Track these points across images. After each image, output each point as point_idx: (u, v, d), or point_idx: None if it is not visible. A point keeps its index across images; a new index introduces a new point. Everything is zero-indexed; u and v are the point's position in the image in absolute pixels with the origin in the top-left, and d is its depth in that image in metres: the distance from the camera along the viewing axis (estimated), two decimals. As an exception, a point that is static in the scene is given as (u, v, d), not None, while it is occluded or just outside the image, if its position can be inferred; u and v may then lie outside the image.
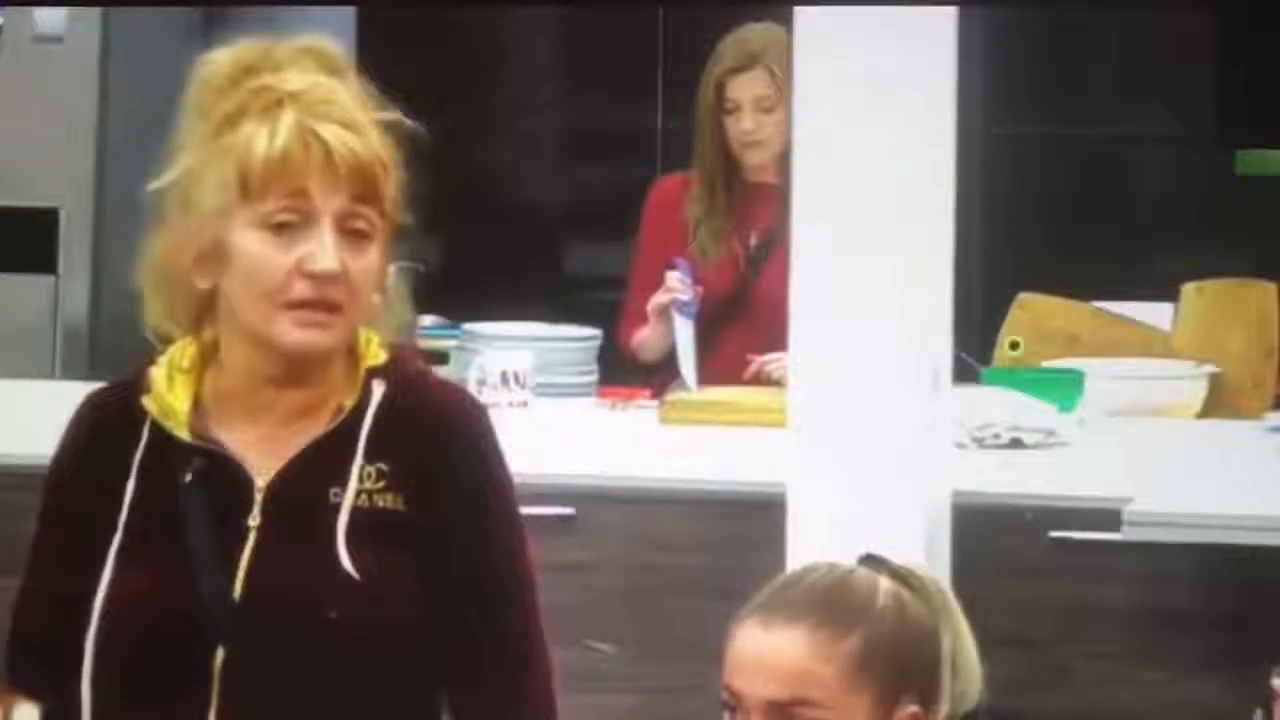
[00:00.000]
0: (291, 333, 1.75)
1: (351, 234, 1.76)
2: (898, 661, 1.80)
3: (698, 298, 3.46)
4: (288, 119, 1.75)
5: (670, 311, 3.46)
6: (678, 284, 3.45)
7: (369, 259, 1.76)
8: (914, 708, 1.81)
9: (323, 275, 1.73)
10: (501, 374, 3.32)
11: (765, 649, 1.78)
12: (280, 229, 1.75)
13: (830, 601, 1.80)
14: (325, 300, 1.74)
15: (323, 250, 1.74)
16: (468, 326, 3.58)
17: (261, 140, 1.74)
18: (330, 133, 1.75)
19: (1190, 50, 4.66)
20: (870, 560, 1.86)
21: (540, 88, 4.92)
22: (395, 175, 1.78)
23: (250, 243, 1.75)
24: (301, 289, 1.74)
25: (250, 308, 1.76)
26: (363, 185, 1.75)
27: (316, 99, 1.76)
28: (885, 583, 1.83)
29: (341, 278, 1.74)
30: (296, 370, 1.78)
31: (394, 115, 1.80)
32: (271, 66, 1.78)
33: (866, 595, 1.81)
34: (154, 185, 1.78)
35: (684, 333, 3.46)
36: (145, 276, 1.80)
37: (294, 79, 1.77)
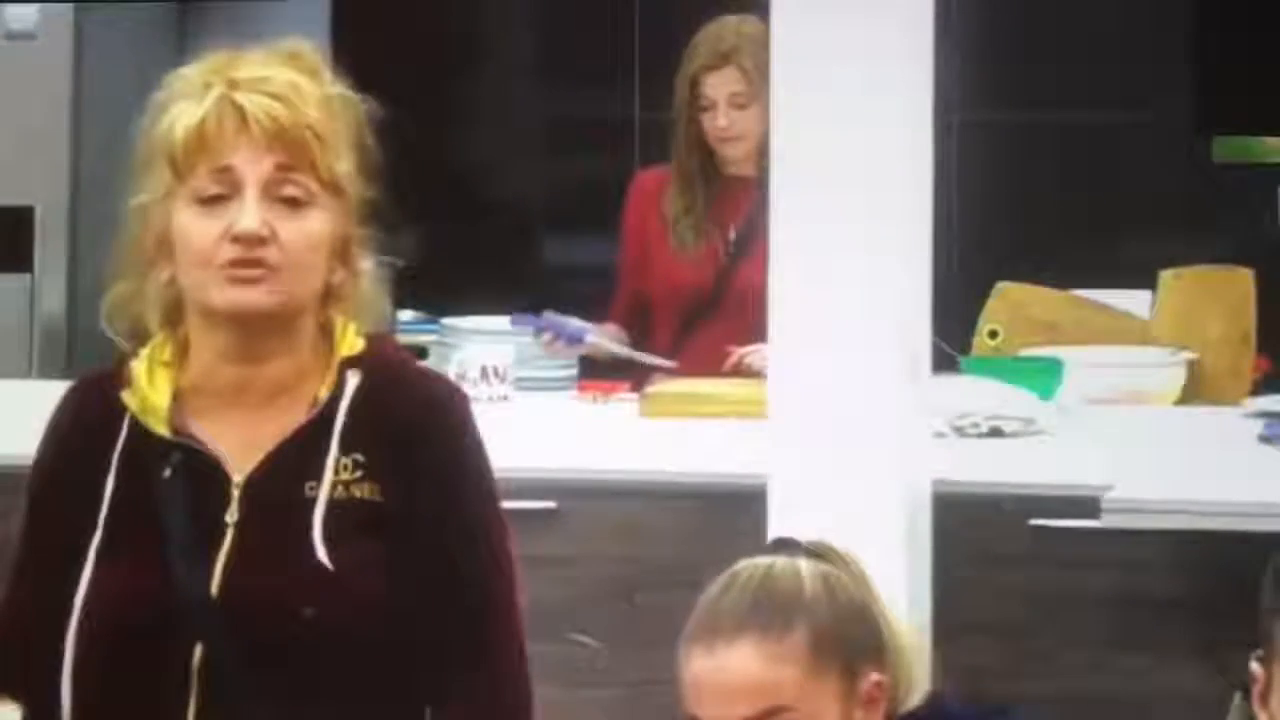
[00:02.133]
0: (223, 291, 1.76)
1: (284, 201, 1.77)
2: (846, 638, 1.81)
3: (558, 326, 3.44)
4: (212, 95, 1.77)
5: (562, 351, 3.46)
6: (545, 345, 3.44)
7: (306, 225, 1.77)
8: (875, 675, 1.82)
9: (244, 235, 1.75)
10: (481, 368, 3.32)
11: (720, 673, 1.78)
12: (210, 202, 1.77)
13: (762, 604, 1.80)
14: (253, 259, 1.76)
15: (244, 213, 1.75)
16: (447, 321, 3.58)
17: (185, 117, 1.77)
18: (248, 100, 1.76)
19: (1167, 37, 4.67)
20: (782, 545, 1.86)
21: (516, 80, 4.91)
22: (338, 148, 1.78)
23: (187, 220, 1.77)
24: (229, 251, 1.76)
25: (190, 280, 1.78)
26: (289, 151, 1.76)
27: (252, 78, 1.78)
28: (806, 565, 1.83)
29: (269, 240, 1.75)
30: (249, 342, 1.78)
31: (353, 95, 1.80)
32: (233, 65, 1.80)
33: (794, 585, 1.81)
34: (133, 202, 1.80)
35: (606, 348, 3.48)
36: (116, 285, 1.82)
37: (242, 69, 1.79)
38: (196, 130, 1.76)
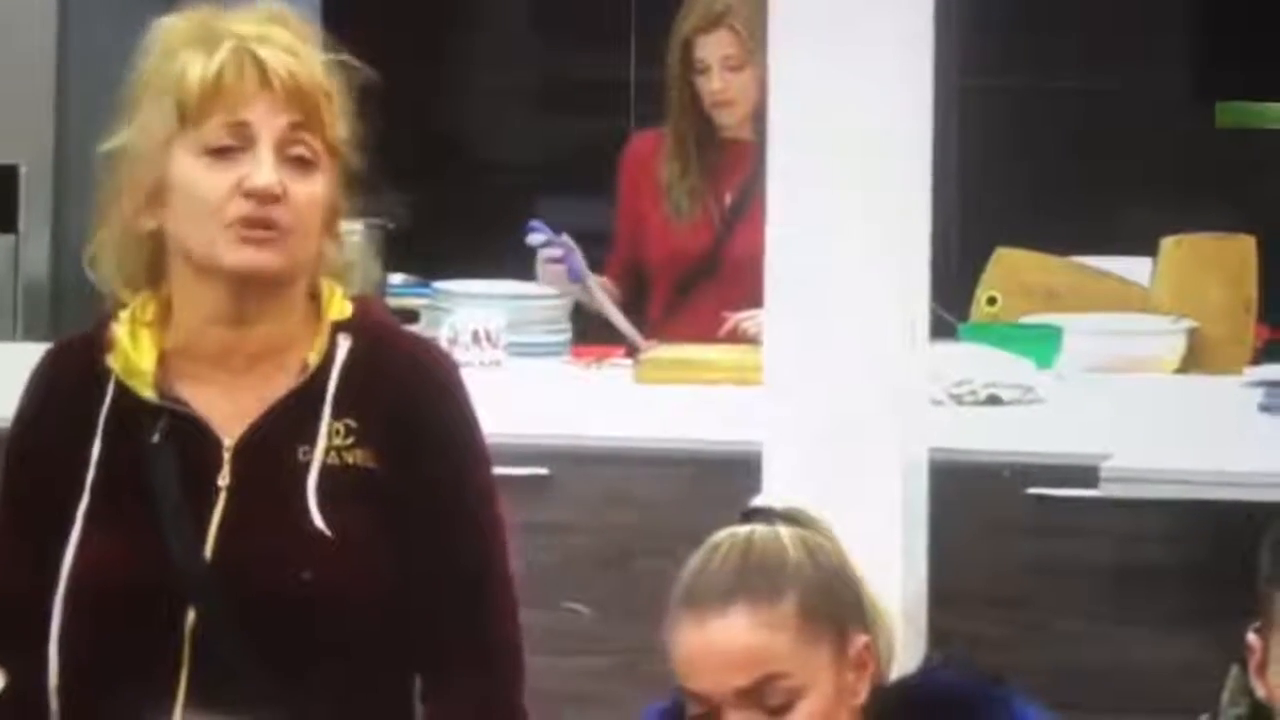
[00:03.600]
0: (233, 250, 1.73)
1: (294, 160, 1.75)
2: (833, 601, 1.80)
3: (571, 252, 3.42)
4: (226, 45, 1.74)
5: (556, 278, 3.41)
6: (545, 261, 3.39)
7: (312, 187, 1.75)
8: (864, 637, 1.81)
9: (261, 191, 1.72)
10: (473, 333, 3.30)
11: (713, 643, 1.77)
12: (220, 153, 1.74)
13: (750, 572, 1.79)
14: (265, 218, 1.73)
15: (259, 168, 1.72)
16: (439, 285, 3.56)
17: (197, 65, 1.74)
18: (268, 53, 1.74)
19: (1169, 3, 4.64)
20: (759, 514, 1.85)
21: (512, 40, 4.88)
22: (339, 109, 1.77)
23: (192, 169, 1.74)
24: (241, 206, 1.73)
25: (194, 233, 1.75)
26: (303, 110, 1.74)
27: (259, 34, 1.75)
28: (786, 531, 1.82)
29: (282, 198, 1.73)
30: (244, 303, 1.76)
31: (344, 58, 1.78)
32: (227, 21, 1.77)
33: (778, 553, 1.81)
34: (105, 146, 1.77)
35: (596, 293, 3.45)
36: (99, 231, 1.79)
37: (242, 24, 1.76)
38: (214, 80, 1.72)
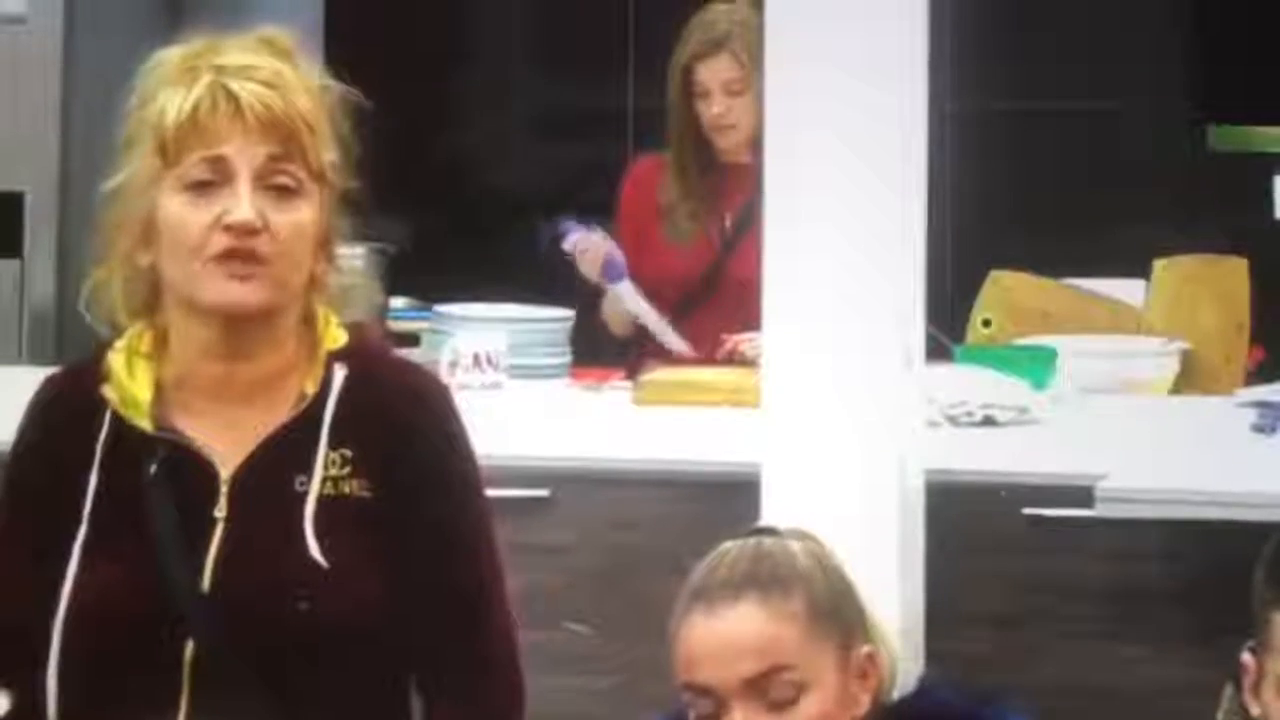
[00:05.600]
0: (215, 287, 1.74)
1: (276, 190, 1.76)
2: (841, 609, 1.82)
3: (613, 254, 3.44)
4: (203, 81, 1.76)
5: (593, 265, 3.41)
6: (585, 251, 3.43)
7: (297, 216, 1.76)
8: (868, 647, 1.83)
9: (240, 225, 1.73)
10: (474, 355, 3.32)
11: (724, 632, 1.78)
12: (201, 189, 1.75)
13: (762, 571, 1.81)
14: (245, 251, 1.74)
15: (238, 202, 1.73)
16: (440, 308, 3.58)
17: (175, 103, 1.75)
18: (242, 88, 1.75)
19: (1164, 26, 4.66)
20: (766, 531, 1.88)
21: (512, 67, 4.91)
22: (326, 136, 1.78)
23: (174, 206, 1.75)
24: (221, 241, 1.74)
25: (178, 270, 1.76)
26: (281, 141, 1.75)
27: (240, 65, 1.77)
28: (795, 544, 1.85)
29: (262, 231, 1.74)
30: (236, 337, 1.77)
31: (337, 85, 1.80)
32: (215, 51, 1.78)
33: (789, 557, 1.83)
34: (106, 186, 1.79)
35: (632, 299, 3.47)
36: (97, 270, 1.80)
37: (227, 55, 1.78)
38: (189, 117, 1.74)
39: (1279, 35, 4.45)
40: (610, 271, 3.45)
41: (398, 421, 1.79)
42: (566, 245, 3.46)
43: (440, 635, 1.79)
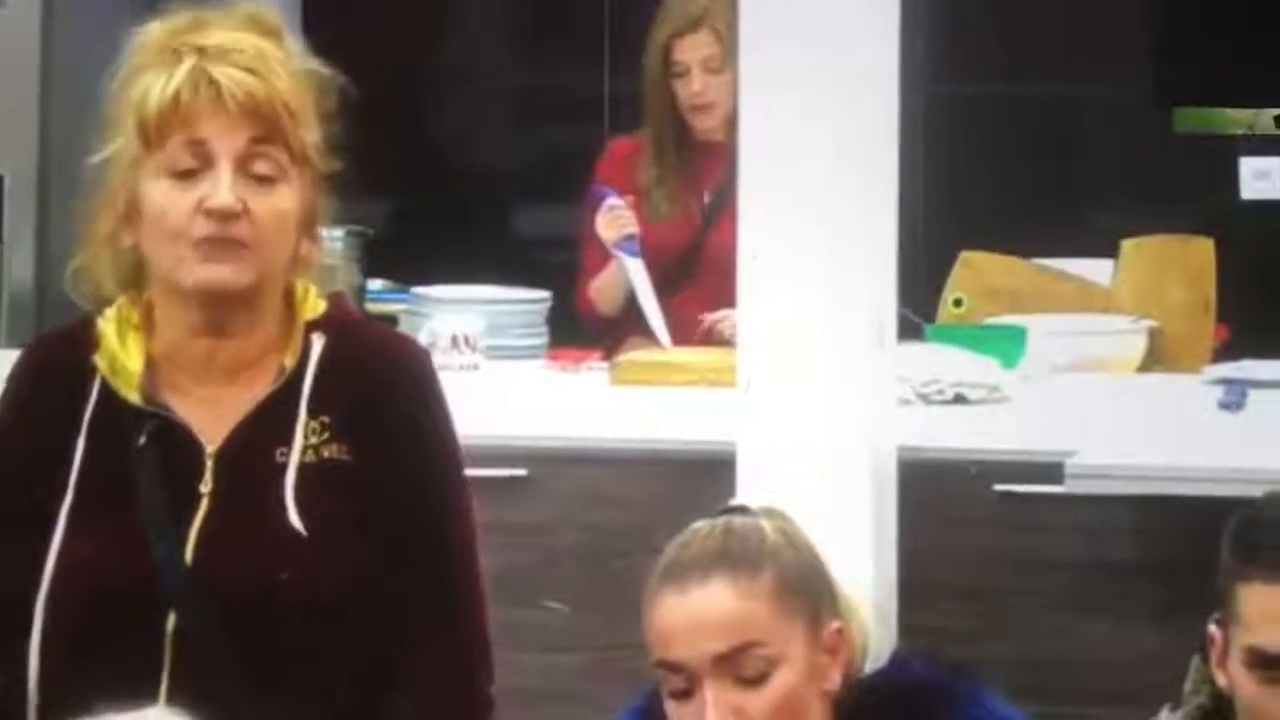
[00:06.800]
0: (195, 270, 1.75)
1: (256, 176, 1.77)
2: (810, 584, 1.84)
3: (637, 232, 3.47)
4: (185, 66, 1.76)
5: (612, 226, 3.43)
6: (617, 215, 3.45)
7: (278, 200, 1.77)
8: (837, 622, 1.85)
9: (219, 211, 1.74)
10: (451, 337, 3.33)
11: (694, 609, 1.80)
12: (183, 175, 1.76)
13: (731, 549, 1.83)
14: (226, 236, 1.75)
15: (217, 188, 1.74)
16: (417, 290, 3.59)
17: (156, 88, 1.76)
18: (223, 74, 1.76)
19: (1128, 8, 4.69)
20: (736, 509, 1.90)
21: (488, 49, 4.91)
22: (308, 120, 1.78)
23: (156, 190, 1.76)
24: (202, 226, 1.75)
25: (160, 254, 1.77)
26: (261, 126, 1.76)
27: (223, 48, 1.77)
28: (765, 521, 1.87)
29: (242, 215, 1.75)
30: (219, 317, 1.78)
31: (319, 67, 1.80)
32: (200, 29, 1.79)
33: (758, 535, 1.85)
34: (91, 160, 1.80)
35: (639, 277, 3.48)
36: (82, 250, 1.81)
37: (210, 35, 1.78)
38: (171, 102, 1.75)
39: (1239, 18, 4.48)
40: (628, 245, 3.45)
41: (372, 382, 1.80)
42: (605, 205, 3.47)
43: (412, 594, 1.79)
